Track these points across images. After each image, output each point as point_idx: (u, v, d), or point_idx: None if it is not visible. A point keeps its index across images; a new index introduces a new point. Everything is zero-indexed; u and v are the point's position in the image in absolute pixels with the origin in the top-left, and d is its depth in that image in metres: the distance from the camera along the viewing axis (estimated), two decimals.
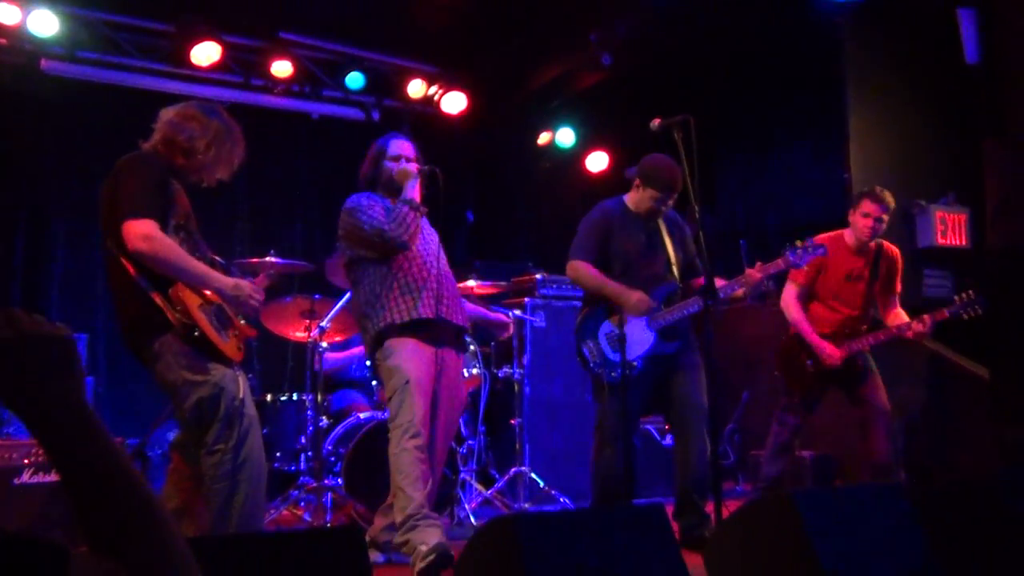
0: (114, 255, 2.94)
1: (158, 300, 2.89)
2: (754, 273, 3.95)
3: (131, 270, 2.90)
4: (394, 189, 3.74)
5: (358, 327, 3.83)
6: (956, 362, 5.24)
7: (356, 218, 3.65)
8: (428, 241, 3.78)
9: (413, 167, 3.76)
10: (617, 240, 4.09)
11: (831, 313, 4.61)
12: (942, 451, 5.31)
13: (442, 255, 3.74)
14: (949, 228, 5.83)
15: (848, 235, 4.62)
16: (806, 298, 4.64)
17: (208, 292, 3.01)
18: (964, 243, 5.87)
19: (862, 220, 4.52)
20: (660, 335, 4.00)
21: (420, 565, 3.22)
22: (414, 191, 3.68)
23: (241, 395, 2.97)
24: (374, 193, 3.79)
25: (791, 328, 4.64)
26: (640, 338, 3.96)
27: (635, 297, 3.91)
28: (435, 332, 3.63)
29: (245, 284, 3.10)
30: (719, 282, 3.84)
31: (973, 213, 5.89)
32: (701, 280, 4.17)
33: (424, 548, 3.25)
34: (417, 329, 3.58)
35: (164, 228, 2.89)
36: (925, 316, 4.38)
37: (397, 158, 3.81)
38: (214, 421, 2.92)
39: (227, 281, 3.05)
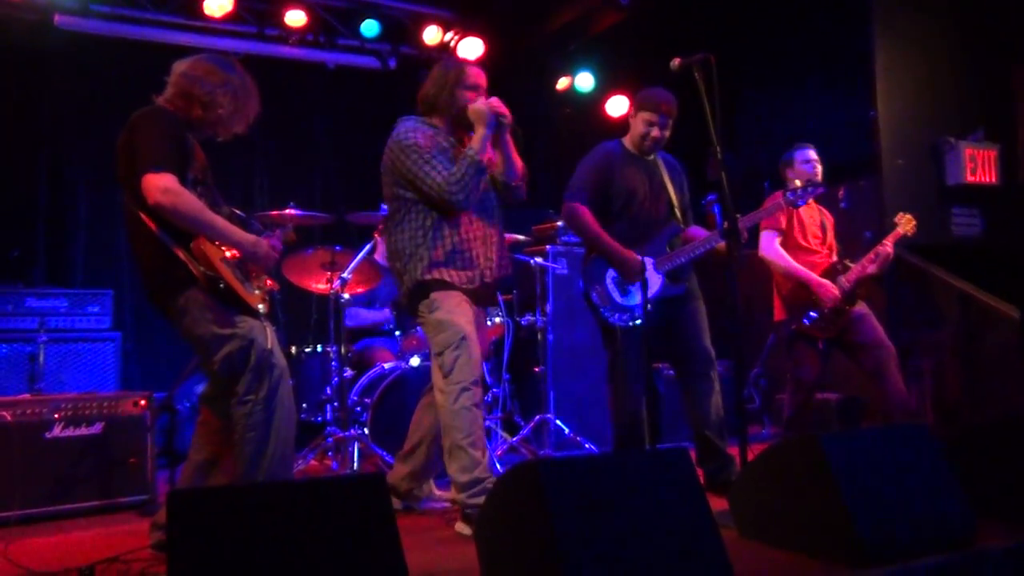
0: (134, 211, 2.93)
1: (181, 255, 2.88)
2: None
3: (152, 225, 2.89)
4: (460, 123, 3.49)
5: (390, 265, 3.57)
6: (986, 302, 5.16)
7: (413, 164, 3.35)
8: (484, 198, 3.52)
9: (489, 106, 3.40)
10: (619, 180, 4.02)
11: (818, 259, 4.61)
12: (972, 392, 5.27)
13: (498, 209, 3.57)
14: (979, 165, 5.70)
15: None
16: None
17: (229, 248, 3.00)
18: (994, 180, 5.75)
19: (803, 168, 4.58)
20: (667, 277, 3.97)
21: None
22: (486, 146, 3.39)
23: (270, 345, 2.97)
24: (426, 122, 3.51)
25: (781, 277, 4.60)
26: (648, 281, 3.91)
27: (629, 262, 3.85)
28: (479, 293, 3.52)
29: (264, 242, 3.09)
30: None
31: (1003, 149, 5.76)
32: (694, 229, 4.10)
33: None
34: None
35: (182, 182, 2.87)
36: (885, 242, 4.49)
37: (476, 88, 3.50)
38: (245, 372, 2.93)
39: (247, 237, 3.04)
